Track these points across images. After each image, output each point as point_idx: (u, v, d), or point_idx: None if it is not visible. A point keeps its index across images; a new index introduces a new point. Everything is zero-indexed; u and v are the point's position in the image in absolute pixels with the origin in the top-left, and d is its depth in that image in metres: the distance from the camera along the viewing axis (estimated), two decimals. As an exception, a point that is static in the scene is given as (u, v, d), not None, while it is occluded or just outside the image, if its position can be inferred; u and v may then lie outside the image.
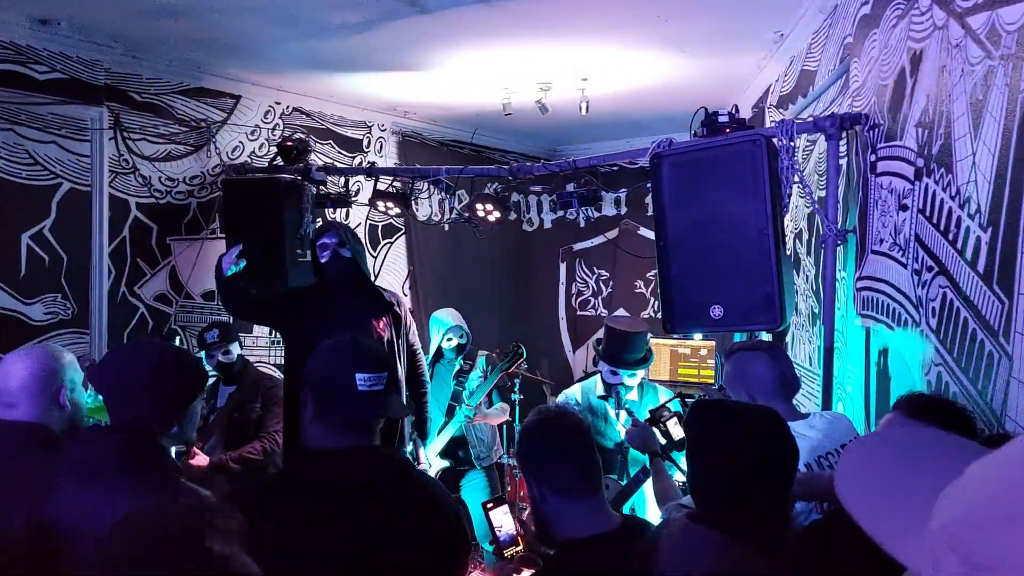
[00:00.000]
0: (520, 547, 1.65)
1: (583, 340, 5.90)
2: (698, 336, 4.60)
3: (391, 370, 1.46)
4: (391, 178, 3.98)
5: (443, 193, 3.74)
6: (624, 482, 2.68)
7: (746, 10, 3.13)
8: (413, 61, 3.81)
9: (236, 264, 2.91)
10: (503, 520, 1.69)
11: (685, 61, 3.74)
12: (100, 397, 2.37)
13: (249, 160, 4.19)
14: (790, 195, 2.65)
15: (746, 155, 2.47)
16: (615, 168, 4.34)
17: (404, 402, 2.91)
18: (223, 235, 3.93)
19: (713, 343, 4.61)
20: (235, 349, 3.26)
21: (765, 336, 3.33)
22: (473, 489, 3.50)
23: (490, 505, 1.70)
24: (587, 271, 5.93)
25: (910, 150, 2.03)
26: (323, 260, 2.81)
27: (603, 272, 5.84)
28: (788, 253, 3.06)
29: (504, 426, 4.15)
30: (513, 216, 3.88)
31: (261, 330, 4.26)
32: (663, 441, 2.35)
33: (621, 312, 5.66)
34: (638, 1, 3.00)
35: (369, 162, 4.59)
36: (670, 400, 2.55)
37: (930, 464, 0.58)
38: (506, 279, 5.68)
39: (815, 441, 1.78)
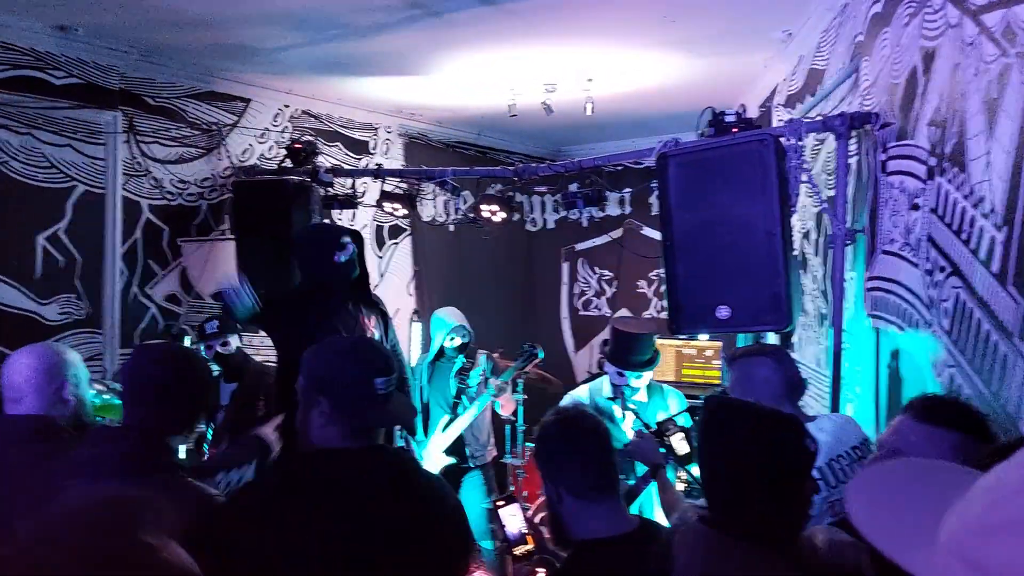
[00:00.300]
0: (530, 545, 1.65)
1: (585, 340, 5.90)
2: (703, 337, 4.59)
3: (397, 370, 1.48)
4: (397, 179, 4.00)
5: (448, 194, 3.75)
6: (632, 481, 2.68)
7: (754, 9, 3.13)
8: (420, 64, 3.82)
9: (241, 298, 2.79)
10: (512, 519, 1.69)
11: (691, 61, 3.74)
12: (105, 397, 2.40)
13: (258, 162, 4.21)
14: (798, 195, 2.64)
15: (754, 155, 2.46)
16: (619, 168, 4.33)
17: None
18: (233, 236, 3.95)
19: (719, 344, 4.60)
20: (234, 341, 3.26)
21: (772, 337, 3.32)
22: (471, 487, 3.52)
23: (500, 503, 1.70)
24: (590, 271, 5.93)
25: (922, 149, 2.03)
26: (341, 260, 2.79)
27: (606, 272, 5.84)
28: (796, 253, 3.06)
29: (508, 425, 4.16)
30: (516, 217, 3.89)
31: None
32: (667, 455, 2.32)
33: (624, 312, 5.65)
34: (644, 2, 3.00)
35: (376, 164, 4.60)
36: (680, 413, 2.52)
37: (941, 485, 0.58)
38: (510, 279, 5.68)
39: (826, 444, 1.77)
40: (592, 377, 3.81)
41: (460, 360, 3.58)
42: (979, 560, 0.47)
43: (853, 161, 2.63)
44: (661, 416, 2.87)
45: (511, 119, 4.34)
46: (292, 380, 1.48)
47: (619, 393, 2.84)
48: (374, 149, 4.90)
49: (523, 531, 1.67)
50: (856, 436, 1.87)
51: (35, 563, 0.72)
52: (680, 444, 2.30)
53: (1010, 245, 1.51)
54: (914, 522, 0.55)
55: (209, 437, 3.19)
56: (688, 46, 3.53)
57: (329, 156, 4.53)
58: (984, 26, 1.66)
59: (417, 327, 5.01)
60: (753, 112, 4.05)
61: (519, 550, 1.67)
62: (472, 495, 3.49)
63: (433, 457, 3.49)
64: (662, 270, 2.69)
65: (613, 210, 5.46)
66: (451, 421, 3.53)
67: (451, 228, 4.09)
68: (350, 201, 4.04)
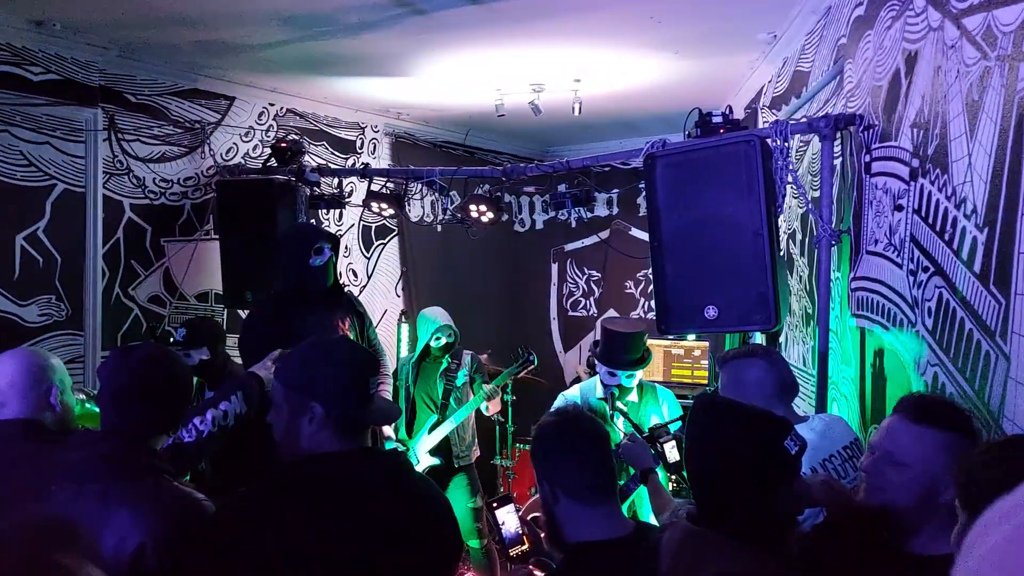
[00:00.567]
0: (525, 546, 1.65)
1: (574, 341, 5.91)
2: (692, 337, 4.62)
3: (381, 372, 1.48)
4: (384, 179, 3.98)
5: (436, 194, 3.74)
6: (622, 482, 2.68)
7: (739, 11, 3.15)
8: (406, 63, 3.81)
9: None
10: (508, 519, 1.68)
11: (678, 62, 3.75)
12: (88, 405, 2.36)
13: (243, 161, 4.17)
14: (784, 196, 2.66)
15: (740, 155, 2.48)
16: (607, 168, 4.35)
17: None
18: (217, 236, 3.91)
19: (707, 344, 4.63)
20: (197, 355, 2.95)
21: (760, 337, 3.34)
22: (456, 488, 3.52)
23: (495, 504, 1.70)
24: (578, 271, 5.94)
25: (905, 151, 2.05)
26: (315, 264, 2.76)
27: (594, 272, 5.85)
28: (782, 254, 3.08)
29: (497, 427, 4.16)
30: (505, 217, 3.89)
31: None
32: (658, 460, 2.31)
33: (612, 313, 5.67)
34: (631, 2, 3.01)
35: (362, 163, 4.58)
36: (673, 421, 2.52)
37: None
38: (498, 280, 5.68)
39: (818, 444, 1.78)
40: (577, 379, 3.83)
41: (446, 360, 3.58)
42: None
43: (837, 162, 2.65)
44: (654, 420, 2.88)
45: (499, 119, 4.34)
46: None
47: (608, 393, 2.84)
48: (361, 148, 4.88)
49: (519, 531, 1.67)
50: (847, 436, 1.89)
51: None
52: (671, 452, 2.30)
53: (991, 245, 1.53)
54: None
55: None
56: (675, 47, 3.55)
57: (315, 155, 4.50)
58: (965, 29, 1.68)
59: (405, 328, 4.99)
60: (739, 113, 4.07)
61: (515, 550, 1.66)
62: (457, 495, 3.49)
63: (419, 458, 3.48)
64: (650, 270, 2.69)
65: (601, 211, 5.47)
66: (438, 422, 3.52)
67: (439, 228, 4.08)
68: (337, 201, 4.01)
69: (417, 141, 5.17)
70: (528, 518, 2.03)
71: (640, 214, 5.14)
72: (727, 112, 2.75)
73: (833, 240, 2.48)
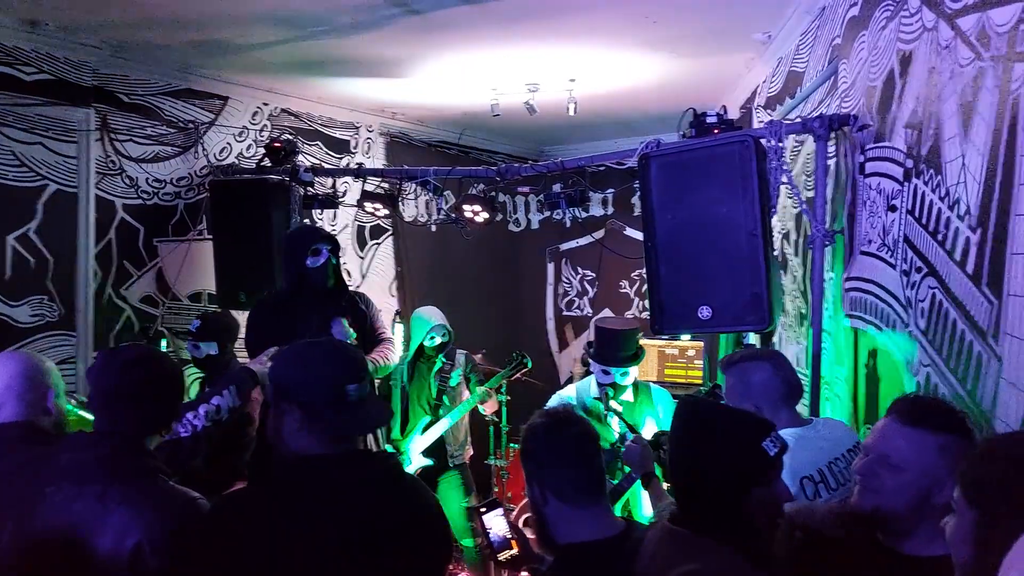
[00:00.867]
0: (514, 550, 1.64)
1: (569, 340, 5.91)
2: (685, 337, 4.62)
3: (370, 374, 1.45)
4: (379, 179, 3.97)
5: (430, 194, 3.73)
6: (616, 481, 2.68)
7: (734, 11, 3.15)
8: (401, 62, 3.80)
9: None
10: (496, 523, 1.67)
11: (673, 62, 3.75)
12: (82, 412, 2.36)
13: (236, 161, 4.16)
14: (778, 196, 2.66)
15: (735, 156, 2.48)
16: (602, 168, 4.34)
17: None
18: (210, 236, 3.90)
19: (701, 344, 4.63)
20: (205, 348, 3.14)
21: (753, 337, 3.35)
22: (449, 487, 3.52)
23: (483, 509, 1.69)
24: (572, 271, 5.95)
25: (899, 151, 2.05)
26: (313, 265, 2.81)
27: (588, 272, 5.85)
28: (776, 254, 3.08)
29: (491, 427, 4.15)
30: (499, 217, 3.88)
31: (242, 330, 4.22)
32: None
33: (606, 312, 5.67)
34: (626, 2, 3.01)
35: (357, 163, 4.57)
36: None
37: None
38: (493, 280, 5.67)
39: (824, 447, 1.79)
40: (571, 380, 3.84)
41: (440, 360, 3.57)
42: None
43: (832, 163, 2.65)
44: (649, 420, 2.88)
45: (494, 119, 4.33)
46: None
47: (603, 393, 2.84)
48: (355, 148, 4.86)
49: (507, 536, 1.66)
50: (850, 438, 1.89)
51: None
52: None
53: (984, 246, 1.53)
54: None
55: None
56: (670, 47, 3.55)
57: (309, 155, 4.48)
58: (959, 30, 1.68)
59: (400, 328, 4.98)
60: (734, 113, 4.07)
61: (504, 555, 1.65)
62: (450, 495, 3.49)
63: (412, 458, 3.47)
64: (644, 270, 2.69)
65: (596, 211, 5.47)
66: (431, 422, 3.51)
67: (433, 228, 4.07)
68: (331, 201, 4.00)
69: (411, 141, 5.16)
70: (523, 519, 2.02)
71: (635, 214, 5.14)
72: (722, 112, 2.75)
73: (827, 240, 2.49)
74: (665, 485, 2.32)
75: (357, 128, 4.87)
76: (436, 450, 3.52)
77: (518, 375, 3.68)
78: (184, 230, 3.96)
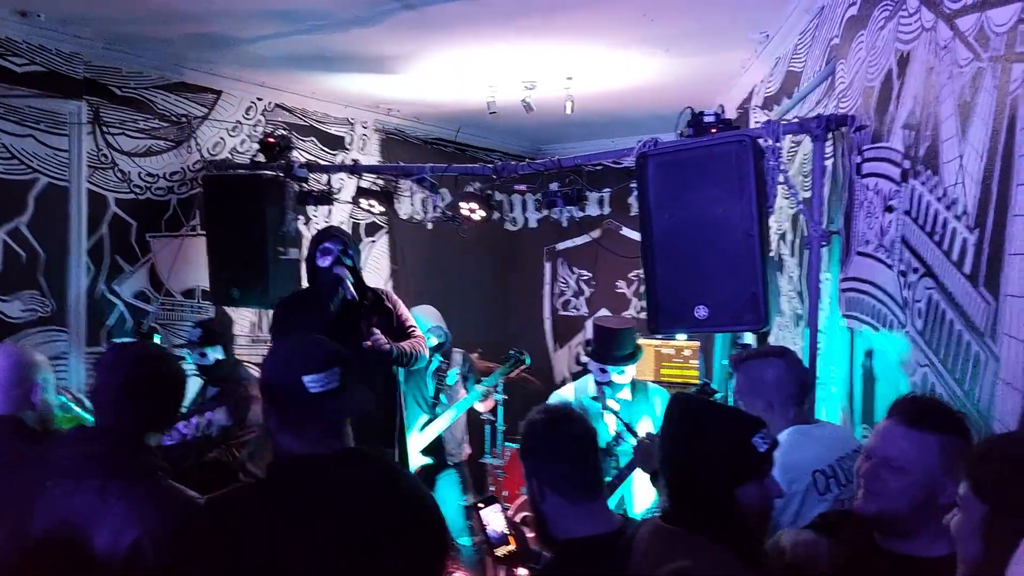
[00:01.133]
0: (512, 546, 1.64)
1: (565, 340, 5.90)
2: (682, 336, 4.62)
3: (346, 364, 1.39)
4: (374, 176, 3.95)
5: (426, 191, 3.72)
6: (609, 478, 2.68)
7: (732, 10, 3.14)
8: (397, 58, 3.78)
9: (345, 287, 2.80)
10: (494, 519, 1.67)
11: (670, 60, 3.75)
12: (77, 410, 2.36)
13: (230, 156, 4.13)
14: (775, 196, 2.66)
15: (732, 155, 2.47)
16: (599, 167, 4.33)
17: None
18: (203, 232, 3.87)
19: (697, 344, 4.64)
20: (213, 354, 3.14)
21: (749, 337, 3.34)
22: (447, 485, 3.51)
23: (481, 504, 1.69)
24: (568, 271, 5.94)
25: (896, 152, 2.05)
26: (323, 265, 2.83)
27: (584, 272, 5.85)
28: (772, 254, 3.08)
29: (488, 425, 4.14)
30: (496, 215, 3.87)
31: (241, 329, 4.20)
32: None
33: (603, 312, 5.67)
34: (623, 0, 3.00)
35: (352, 159, 4.54)
36: None
37: None
38: (490, 278, 5.66)
39: (832, 444, 1.81)
40: (574, 377, 3.83)
41: (437, 359, 3.56)
42: None
43: (829, 163, 2.65)
44: (646, 419, 2.88)
45: (490, 116, 4.32)
46: None
47: (601, 392, 2.84)
48: (350, 144, 4.84)
49: (504, 532, 1.65)
50: (850, 438, 1.91)
51: None
52: None
53: (982, 247, 1.53)
54: None
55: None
56: (667, 45, 3.54)
57: (304, 151, 4.46)
58: (958, 30, 1.67)
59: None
60: (731, 113, 4.07)
61: (501, 551, 1.65)
62: (448, 493, 3.49)
63: (411, 457, 3.46)
64: (641, 270, 2.69)
65: (593, 210, 5.45)
66: (429, 421, 3.50)
67: (429, 226, 4.06)
68: (325, 197, 3.97)
69: (407, 137, 5.14)
70: (521, 517, 2.02)
71: (632, 213, 5.12)
72: (719, 111, 2.74)
73: (823, 241, 2.48)
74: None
75: (352, 124, 4.84)
76: (434, 449, 3.52)
77: (517, 372, 3.67)
78: (177, 225, 3.93)
